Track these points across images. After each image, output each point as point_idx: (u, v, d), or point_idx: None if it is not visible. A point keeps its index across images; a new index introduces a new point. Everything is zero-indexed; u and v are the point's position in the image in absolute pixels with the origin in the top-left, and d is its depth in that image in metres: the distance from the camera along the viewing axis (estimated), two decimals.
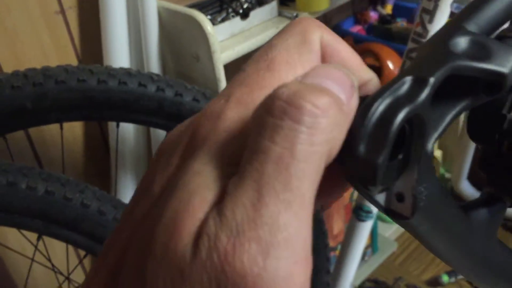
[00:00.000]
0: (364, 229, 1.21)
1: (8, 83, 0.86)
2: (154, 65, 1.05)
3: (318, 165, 0.20)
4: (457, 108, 0.27)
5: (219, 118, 0.23)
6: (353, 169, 0.23)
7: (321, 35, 0.25)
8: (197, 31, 0.97)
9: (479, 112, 0.30)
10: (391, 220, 0.28)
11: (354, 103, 0.23)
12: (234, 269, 0.19)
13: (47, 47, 1.05)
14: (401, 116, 0.22)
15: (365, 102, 0.23)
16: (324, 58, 0.25)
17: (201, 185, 0.21)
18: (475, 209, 0.32)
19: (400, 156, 0.24)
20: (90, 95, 0.88)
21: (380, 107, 0.22)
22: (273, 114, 0.20)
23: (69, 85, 0.87)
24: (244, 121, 0.22)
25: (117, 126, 0.96)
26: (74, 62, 1.10)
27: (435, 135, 0.26)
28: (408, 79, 0.23)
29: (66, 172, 1.06)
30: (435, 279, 1.62)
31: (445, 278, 1.59)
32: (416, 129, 0.24)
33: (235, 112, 0.23)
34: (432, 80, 0.23)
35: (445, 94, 0.27)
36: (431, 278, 1.64)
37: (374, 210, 1.20)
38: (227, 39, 1.06)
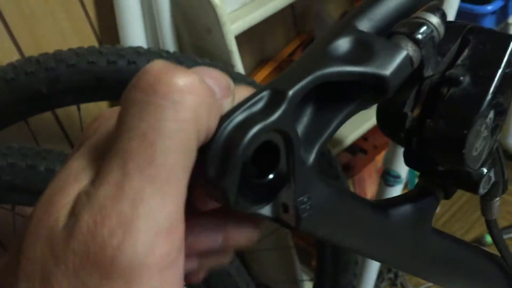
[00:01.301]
0: (393, 195, 1.19)
1: (22, 69, 0.88)
2: (168, 40, 1.06)
3: (185, 143, 0.21)
4: (344, 113, 0.25)
5: (101, 117, 0.25)
6: (208, 189, 0.23)
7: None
8: (205, 4, 0.96)
9: (383, 109, 0.28)
10: None
11: (227, 103, 0.23)
12: (95, 243, 0.20)
13: (65, 29, 1.07)
14: (249, 136, 0.21)
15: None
16: None
17: (77, 168, 0.23)
18: (399, 205, 0.31)
19: (271, 175, 0.23)
20: (101, 76, 0.89)
21: (229, 126, 0.22)
22: (142, 89, 0.21)
23: (80, 67, 0.89)
24: None
25: None
26: (94, 42, 1.12)
27: (319, 143, 0.25)
28: (265, 94, 0.22)
29: None
30: (478, 240, 1.58)
31: (488, 239, 1.54)
32: (285, 144, 0.23)
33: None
34: (290, 93, 0.22)
35: (330, 99, 0.25)
36: (474, 239, 1.60)
37: (403, 174, 1.18)
38: (239, 9, 1.05)
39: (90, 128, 0.25)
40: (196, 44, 1.09)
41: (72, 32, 1.08)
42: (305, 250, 1.49)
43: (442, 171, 0.29)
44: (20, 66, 0.88)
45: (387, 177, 1.17)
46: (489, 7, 1.31)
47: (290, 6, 1.34)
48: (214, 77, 0.23)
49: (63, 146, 1.14)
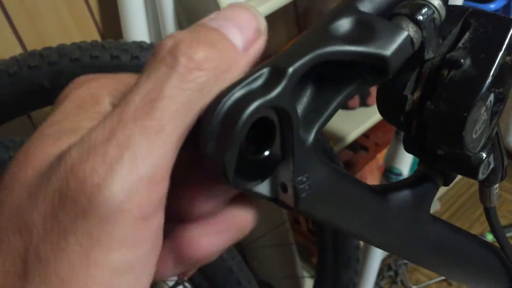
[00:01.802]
0: None
1: (25, 63, 0.89)
2: None
3: (185, 105, 0.22)
4: (343, 94, 0.26)
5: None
6: (206, 166, 0.23)
7: None
8: None
9: (383, 91, 0.29)
10: None
11: (256, 47, 0.25)
12: (76, 178, 0.20)
13: (67, 23, 1.07)
14: (248, 111, 0.21)
15: (216, 96, 0.22)
16: None
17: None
18: (398, 190, 0.31)
19: (267, 152, 0.23)
20: (104, 71, 0.89)
21: (229, 101, 0.22)
22: (156, 59, 0.23)
23: (83, 62, 0.89)
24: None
25: None
26: (96, 37, 1.12)
27: (318, 123, 0.25)
28: (265, 71, 0.23)
29: None
30: None
31: (489, 237, 1.54)
32: (283, 121, 0.23)
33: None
34: (290, 70, 0.22)
35: (330, 80, 0.26)
36: None
37: (405, 172, 1.18)
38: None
39: None
40: None
41: (74, 27, 1.08)
42: (305, 247, 1.49)
43: (441, 155, 0.29)
44: (23, 60, 0.89)
45: (389, 174, 1.17)
46: (492, 5, 1.31)
47: (293, 3, 1.34)
48: (239, 25, 0.24)
49: None
